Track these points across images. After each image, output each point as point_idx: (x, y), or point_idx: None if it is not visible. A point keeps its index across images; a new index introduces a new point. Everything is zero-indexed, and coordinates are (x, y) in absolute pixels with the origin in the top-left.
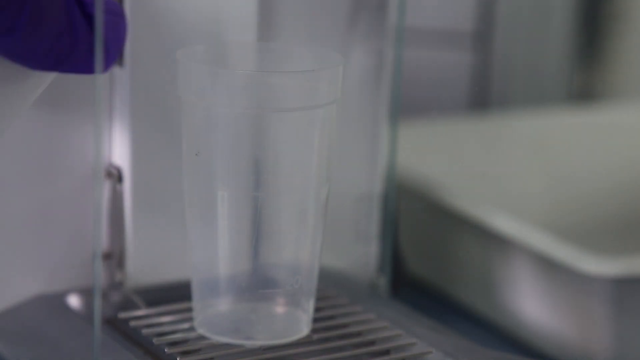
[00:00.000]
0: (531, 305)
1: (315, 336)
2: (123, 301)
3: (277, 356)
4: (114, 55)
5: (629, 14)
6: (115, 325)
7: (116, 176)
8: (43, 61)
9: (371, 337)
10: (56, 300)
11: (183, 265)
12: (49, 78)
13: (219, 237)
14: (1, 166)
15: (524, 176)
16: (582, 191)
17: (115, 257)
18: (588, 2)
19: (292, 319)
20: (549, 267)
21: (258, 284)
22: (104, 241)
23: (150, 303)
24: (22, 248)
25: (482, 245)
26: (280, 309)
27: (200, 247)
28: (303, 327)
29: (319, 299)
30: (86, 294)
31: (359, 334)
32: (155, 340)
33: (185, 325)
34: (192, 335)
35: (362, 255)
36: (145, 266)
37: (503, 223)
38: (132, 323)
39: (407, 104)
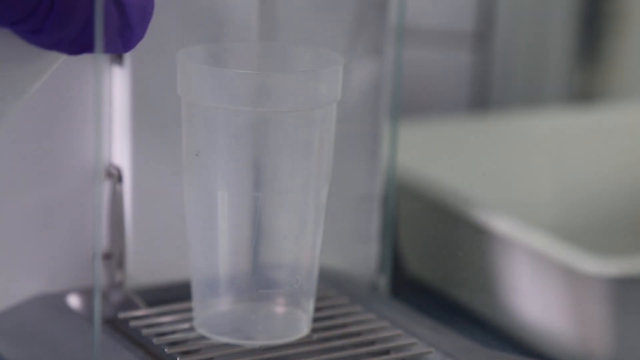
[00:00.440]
0: (531, 306)
1: (315, 336)
2: (123, 301)
3: (277, 356)
4: (139, 35)
5: (629, 13)
6: (115, 325)
7: (116, 176)
8: (69, 49)
9: (371, 337)
10: (56, 300)
11: (183, 265)
12: (62, 57)
13: (219, 237)
14: (1, 166)
15: (524, 176)
16: (582, 191)
17: (115, 257)
18: (588, 2)
19: (292, 319)
20: (549, 267)
21: (258, 284)
22: (104, 241)
23: (150, 303)
24: (22, 248)
25: (482, 245)
26: (280, 309)
27: (200, 247)
28: (303, 327)
29: (319, 299)
30: (86, 294)
31: (359, 334)
32: (155, 340)
33: (185, 325)
34: (192, 335)
35: (362, 255)
36: (145, 266)
37: (503, 223)
38: (132, 323)
39: (407, 104)
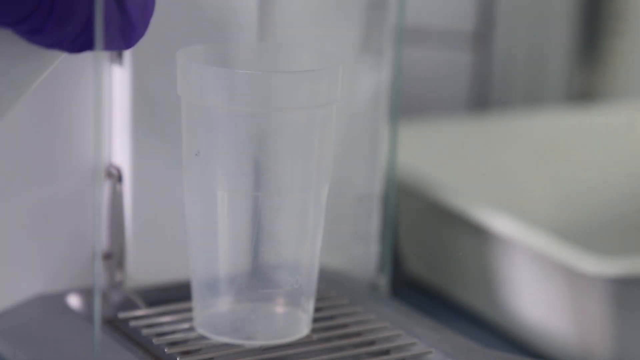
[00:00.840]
0: (531, 305)
1: (315, 336)
2: (123, 301)
3: (277, 356)
4: (140, 31)
5: (629, 13)
6: (115, 325)
7: (116, 176)
8: (69, 48)
9: (371, 337)
10: (56, 300)
11: (183, 265)
12: (62, 55)
13: (219, 237)
14: (1, 166)
15: (524, 176)
16: (582, 191)
17: (115, 257)
18: (588, 2)
19: (292, 319)
20: (549, 267)
21: (258, 284)
22: (104, 241)
23: (150, 303)
24: (22, 248)
25: (482, 245)
26: (280, 309)
27: (200, 247)
28: (303, 327)
29: (319, 299)
30: (86, 294)
31: (359, 334)
32: (155, 340)
33: (185, 325)
34: (192, 335)
35: (362, 255)
36: (145, 266)
37: (503, 223)
38: (132, 323)
39: (407, 104)
